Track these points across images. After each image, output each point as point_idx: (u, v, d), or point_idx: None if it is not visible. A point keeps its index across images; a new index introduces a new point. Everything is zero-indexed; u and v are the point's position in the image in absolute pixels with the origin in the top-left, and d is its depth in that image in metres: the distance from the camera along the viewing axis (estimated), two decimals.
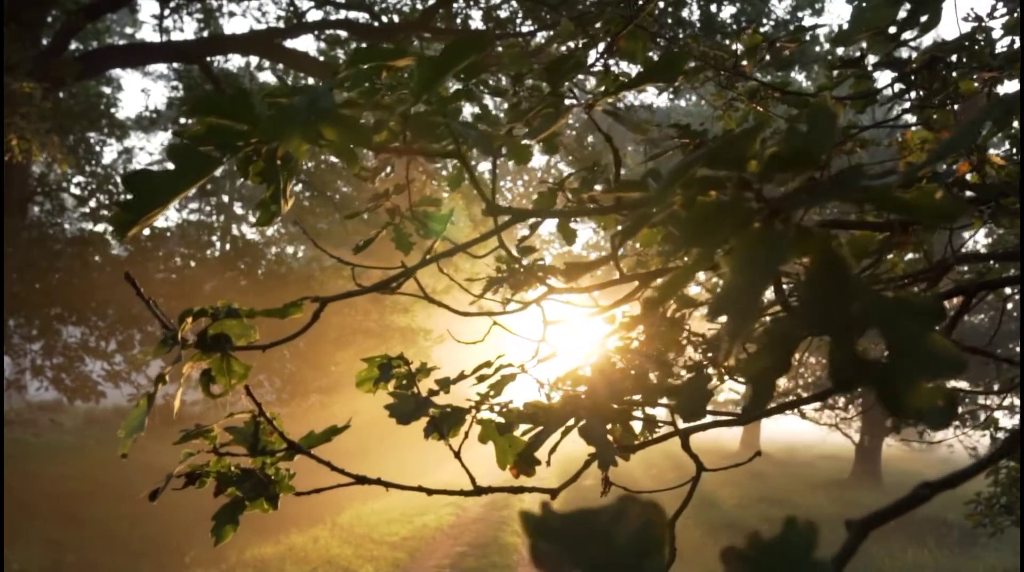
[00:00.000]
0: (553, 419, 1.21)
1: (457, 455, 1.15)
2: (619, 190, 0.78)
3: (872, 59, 2.24)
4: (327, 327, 13.39)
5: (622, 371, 1.62)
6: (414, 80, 0.82)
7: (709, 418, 1.78)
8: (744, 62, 1.99)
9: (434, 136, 0.88)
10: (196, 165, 0.82)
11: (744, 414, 1.48)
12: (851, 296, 0.56)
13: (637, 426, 1.60)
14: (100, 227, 13.48)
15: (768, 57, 1.95)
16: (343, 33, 14.56)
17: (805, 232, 0.58)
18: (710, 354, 1.42)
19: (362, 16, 14.23)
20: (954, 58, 1.93)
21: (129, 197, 0.79)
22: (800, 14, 12.63)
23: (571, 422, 1.41)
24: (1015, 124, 2.08)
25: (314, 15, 14.74)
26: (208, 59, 14.53)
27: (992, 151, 2.12)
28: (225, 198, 22.64)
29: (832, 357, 0.53)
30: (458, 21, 12.91)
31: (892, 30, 1.27)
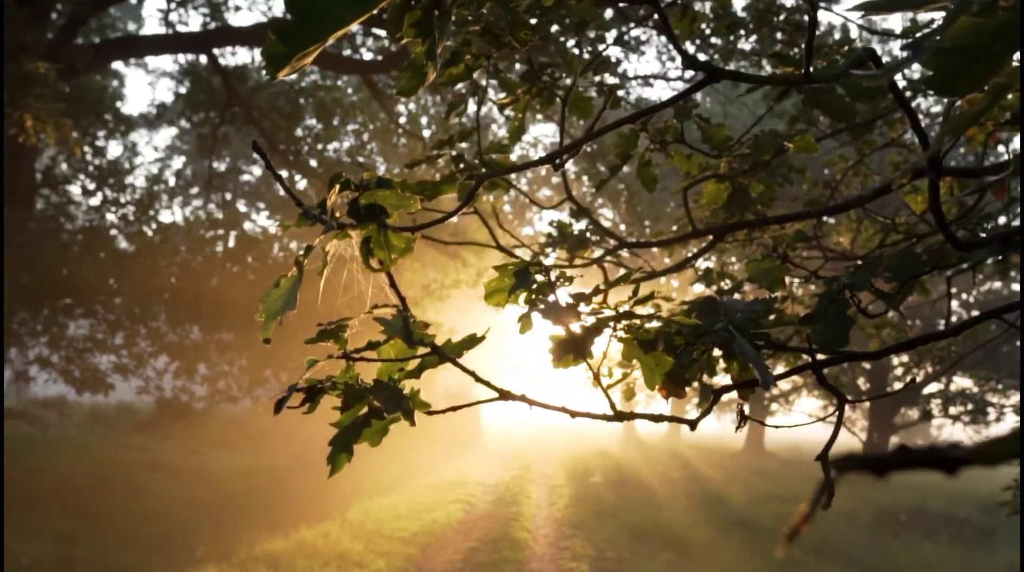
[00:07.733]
0: (693, 334, 1.09)
1: (597, 377, 1.04)
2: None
3: None
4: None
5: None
6: None
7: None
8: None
9: None
10: None
11: (894, 346, 1.36)
12: None
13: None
14: (107, 220, 13.36)
15: None
16: None
17: None
18: (848, 282, 1.30)
19: None
20: None
21: (289, 24, 0.67)
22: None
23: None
24: None
25: None
26: (215, 52, 14.44)
27: None
28: (229, 195, 22.57)
29: None
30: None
31: None
